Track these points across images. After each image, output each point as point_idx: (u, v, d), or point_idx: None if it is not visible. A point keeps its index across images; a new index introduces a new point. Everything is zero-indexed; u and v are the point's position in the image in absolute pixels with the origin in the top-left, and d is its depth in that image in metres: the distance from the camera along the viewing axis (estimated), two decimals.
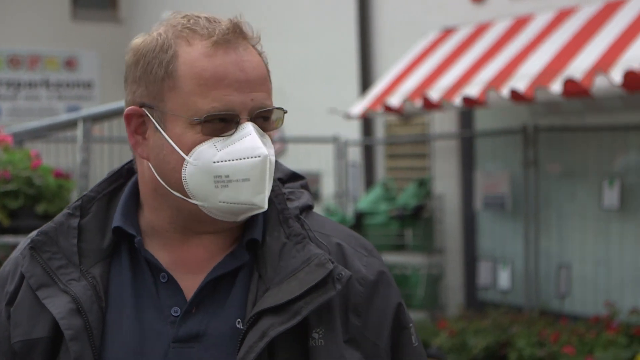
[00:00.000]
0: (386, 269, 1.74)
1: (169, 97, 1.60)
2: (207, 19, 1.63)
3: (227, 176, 1.57)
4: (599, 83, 5.60)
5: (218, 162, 1.57)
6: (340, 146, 8.85)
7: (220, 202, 1.59)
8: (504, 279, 7.58)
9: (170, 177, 1.61)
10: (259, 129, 1.61)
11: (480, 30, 7.44)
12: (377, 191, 8.21)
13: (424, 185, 8.07)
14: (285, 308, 1.56)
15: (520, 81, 6.23)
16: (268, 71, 1.68)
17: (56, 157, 6.20)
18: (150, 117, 1.63)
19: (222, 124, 1.59)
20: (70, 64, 13.71)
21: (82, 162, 4.54)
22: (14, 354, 1.64)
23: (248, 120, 1.59)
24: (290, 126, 10.39)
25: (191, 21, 1.63)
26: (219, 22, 1.63)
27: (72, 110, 12.82)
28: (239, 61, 1.60)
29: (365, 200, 8.17)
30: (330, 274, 1.60)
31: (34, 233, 1.70)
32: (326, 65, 9.78)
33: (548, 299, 7.29)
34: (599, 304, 6.72)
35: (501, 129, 7.57)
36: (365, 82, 9.12)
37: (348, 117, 7.74)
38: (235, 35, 1.61)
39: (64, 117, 5.47)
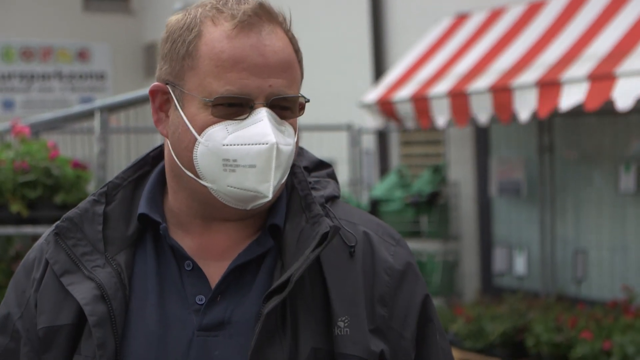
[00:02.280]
0: (413, 260, 1.71)
1: (188, 76, 1.59)
2: (237, 0, 1.61)
3: (234, 160, 1.56)
4: (625, 67, 5.55)
5: (227, 145, 1.55)
6: (354, 134, 8.84)
7: (228, 186, 1.57)
8: (520, 264, 7.57)
9: (184, 155, 1.60)
10: (276, 116, 1.58)
11: (494, 16, 7.41)
12: (391, 178, 8.21)
13: (438, 171, 8.07)
14: (288, 284, 1.55)
15: (539, 69, 6.21)
16: (298, 58, 1.65)
17: (72, 148, 6.23)
18: (172, 94, 1.62)
19: (235, 107, 1.56)
20: (82, 55, 13.73)
21: (100, 153, 4.55)
22: (39, 340, 1.63)
23: (264, 106, 1.57)
24: (304, 114, 10.36)
25: (221, 2, 1.61)
26: (247, 3, 1.60)
27: (85, 101, 12.84)
28: (259, 45, 1.57)
29: (380, 188, 8.17)
30: (325, 236, 1.58)
31: (59, 220, 1.69)
32: (339, 53, 9.77)
33: (565, 284, 7.28)
34: (616, 289, 6.71)
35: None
36: (379, 69, 9.11)
37: (362, 105, 7.73)
38: (260, 17, 1.59)
39: (80, 107, 5.48)
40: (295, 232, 1.63)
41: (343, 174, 9.29)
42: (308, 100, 1.65)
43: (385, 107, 7.40)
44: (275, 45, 1.59)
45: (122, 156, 5.95)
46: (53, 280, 1.64)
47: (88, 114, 4.87)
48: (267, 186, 1.56)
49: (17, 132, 4.60)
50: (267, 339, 1.54)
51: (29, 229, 4.28)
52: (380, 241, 1.68)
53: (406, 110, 7.18)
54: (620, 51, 5.74)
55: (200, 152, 1.57)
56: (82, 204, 1.70)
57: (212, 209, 1.62)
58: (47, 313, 1.62)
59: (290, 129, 1.61)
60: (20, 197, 4.31)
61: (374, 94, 7.67)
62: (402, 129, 7.51)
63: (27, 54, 13.44)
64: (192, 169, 1.59)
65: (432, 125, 7.17)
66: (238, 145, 1.55)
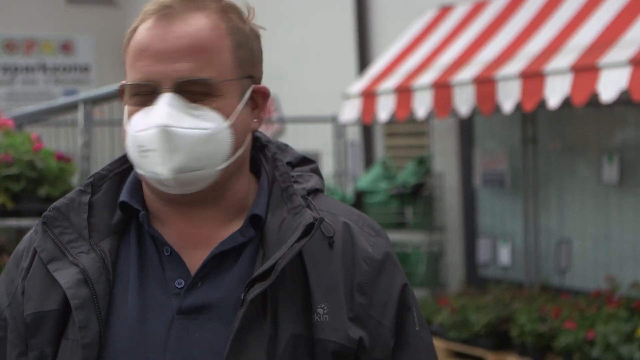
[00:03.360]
0: (392, 251, 1.74)
1: (126, 71, 1.67)
2: None
3: (143, 146, 1.62)
4: (608, 59, 5.58)
5: (137, 131, 1.62)
6: (338, 126, 8.85)
7: (145, 172, 1.63)
8: (504, 255, 7.60)
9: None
10: (185, 100, 1.60)
11: (478, 8, 7.43)
12: (376, 170, 8.23)
13: (423, 163, 8.09)
14: (271, 272, 1.58)
15: (523, 61, 6.23)
16: (232, 42, 1.64)
17: (56, 140, 6.21)
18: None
19: (147, 96, 1.62)
20: (66, 47, 13.69)
21: (84, 145, 4.55)
22: (26, 326, 1.66)
23: (170, 91, 1.60)
24: (288, 107, 10.43)
25: None
26: None
27: (69, 94, 12.80)
28: (165, 32, 1.61)
29: (365, 179, 8.19)
30: (311, 226, 1.61)
31: (47, 210, 1.74)
32: (323, 45, 9.77)
33: (548, 274, 7.32)
34: (600, 279, 6.75)
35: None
36: (363, 61, 9.12)
37: (346, 97, 7.74)
38: (175, 7, 1.62)
39: (64, 100, 5.47)
40: (276, 222, 1.65)
41: (328, 165, 9.31)
42: (217, 82, 1.61)
43: (368, 99, 7.42)
44: (183, 30, 1.61)
45: (106, 148, 5.94)
46: (40, 268, 1.68)
47: (72, 107, 4.86)
48: (162, 169, 1.60)
49: (1, 124, 4.59)
50: (248, 324, 1.57)
51: (13, 222, 4.29)
52: (360, 232, 1.71)
53: (389, 102, 7.19)
54: (603, 42, 5.77)
55: (128, 141, 1.66)
56: (69, 194, 1.75)
57: (160, 194, 1.67)
58: (34, 299, 1.66)
59: (211, 114, 1.61)
60: (4, 190, 4.31)
61: (357, 86, 7.69)
62: (380, 122, 7.51)
63: (10, 46, 13.38)
64: (130, 157, 1.68)
65: (411, 117, 7.19)
66: (141, 131, 1.61)
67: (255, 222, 1.67)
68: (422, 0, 8.20)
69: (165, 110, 1.59)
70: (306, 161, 1.82)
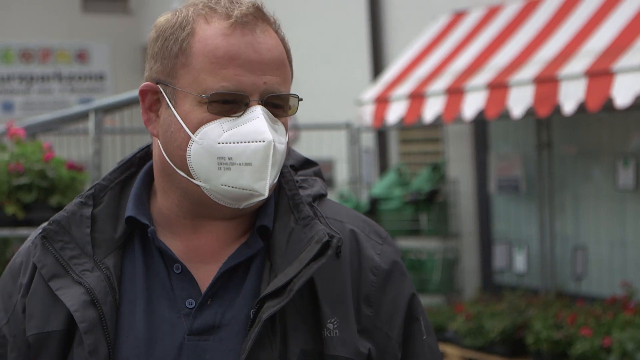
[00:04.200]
0: (400, 259, 1.70)
1: (181, 73, 1.58)
2: (230, 0, 1.61)
3: (230, 158, 1.54)
4: (623, 63, 5.53)
5: (222, 143, 1.54)
6: (353, 132, 8.83)
7: (222, 185, 1.56)
8: (519, 261, 7.56)
9: (176, 155, 1.59)
10: (270, 114, 1.57)
11: (491, 13, 7.40)
12: (390, 176, 8.20)
13: (437, 169, 8.06)
14: (285, 289, 1.54)
15: (536, 66, 6.19)
16: (289, 58, 1.64)
17: (69, 149, 6.22)
18: (163, 93, 1.61)
19: (230, 104, 1.56)
20: (81, 56, 13.74)
21: (94, 154, 4.55)
22: (28, 347, 1.61)
23: (258, 104, 1.56)
24: (302, 113, 10.38)
25: (213, 1, 1.61)
26: (240, 3, 1.60)
27: (84, 102, 12.84)
28: (254, 42, 1.57)
29: (379, 186, 8.16)
30: (326, 245, 1.57)
31: (45, 223, 1.68)
32: (337, 51, 9.76)
33: (564, 280, 7.27)
34: (616, 285, 6.70)
35: None
36: (377, 67, 9.10)
37: (360, 103, 7.72)
38: (254, 17, 1.59)
39: (76, 109, 5.48)
40: (284, 233, 1.62)
41: (342, 172, 9.29)
42: (301, 99, 1.64)
43: (382, 104, 7.39)
44: (269, 42, 1.59)
45: (118, 157, 5.94)
46: (41, 285, 1.62)
47: (83, 115, 4.86)
48: (264, 184, 1.55)
49: (12, 134, 4.59)
50: (259, 343, 1.53)
51: (24, 231, 4.28)
52: (367, 239, 1.68)
53: (402, 108, 7.17)
54: (618, 47, 5.73)
55: (194, 150, 1.56)
56: (69, 207, 1.69)
57: (204, 208, 1.61)
58: (37, 319, 1.61)
59: (282, 128, 1.61)
60: (15, 200, 4.30)
61: (371, 92, 7.67)
62: (393, 128, 7.49)
63: (26, 55, 13.44)
64: (185, 167, 1.58)
65: (425, 123, 7.16)
66: (234, 143, 1.54)
67: (262, 233, 1.63)
68: (436, 5, 8.18)
69: (266, 124, 1.55)
70: (309, 164, 1.78)
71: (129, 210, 1.65)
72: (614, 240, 6.95)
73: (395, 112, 7.22)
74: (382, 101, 7.41)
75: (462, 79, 6.77)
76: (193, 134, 1.56)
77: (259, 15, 1.59)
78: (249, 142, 1.54)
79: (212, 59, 1.55)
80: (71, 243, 1.63)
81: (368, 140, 9.14)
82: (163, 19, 1.65)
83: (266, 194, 1.56)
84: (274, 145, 1.54)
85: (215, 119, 1.55)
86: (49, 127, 5.55)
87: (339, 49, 9.71)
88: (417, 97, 7.06)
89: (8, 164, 4.35)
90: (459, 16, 7.79)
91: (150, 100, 1.65)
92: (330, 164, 9.48)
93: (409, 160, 8.90)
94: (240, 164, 1.54)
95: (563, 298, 6.91)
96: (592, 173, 7.13)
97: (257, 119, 1.55)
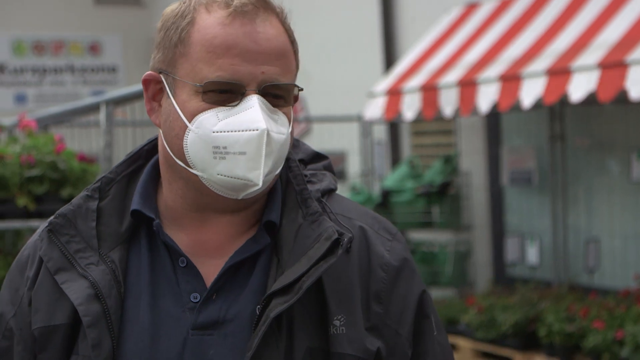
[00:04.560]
0: (410, 255, 1.68)
1: (180, 62, 1.57)
2: None
3: (224, 147, 1.53)
4: (636, 55, 5.49)
5: (217, 132, 1.53)
6: (365, 124, 8.82)
7: (217, 174, 1.54)
8: (532, 254, 7.53)
9: (174, 144, 1.58)
10: (268, 104, 1.56)
11: (504, 5, 7.37)
12: (403, 169, 8.18)
13: (450, 161, 8.03)
14: (293, 287, 1.52)
15: (549, 58, 6.16)
16: (294, 49, 1.62)
17: (81, 142, 6.23)
18: (165, 82, 1.60)
19: (227, 94, 1.54)
20: (94, 48, 13.75)
21: (105, 146, 4.55)
22: (34, 340, 1.60)
23: (255, 93, 1.54)
24: (314, 106, 10.40)
25: None
26: None
27: (96, 95, 12.87)
28: (252, 32, 1.55)
29: (392, 178, 8.15)
30: (336, 243, 1.55)
31: (52, 216, 1.67)
32: (349, 44, 9.74)
33: (577, 273, 7.24)
34: (629, 278, 6.67)
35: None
36: (389, 60, 9.07)
37: (372, 95, 7.71)
38: (255, 6, 1.57)
39: (87, 101, 5.47)
40: (292, 228, 1.60)
41: (354, 165, 9.28)
42: (301, 89, 1.62)
43: (394, 97, 7.38)
44: (269, 32, 1.57)
45: (129, 149, 5.93)
46: (47, 278, 1.61)
47: (94, 107, 4.86)
48: (257, 174, 1.53)
49: (24, 126, 4.60)
50: (264, 339, 1.51)
51: (36, 223, 4.29)
52: (377, 236, 1.65)
53: (414, 100, 7.15)
54: (631, 39, 5.69)
55: (191, 139, 1.55)
56: (75, 200, 1.68)
57: (206, 199, 1.59)
58: (42, 312, 1.60)
59: (283, 118, 1.59)
60: (27, 192, 4.31)
61: (383, 85, 7.65)
62: (405, 120, 7.47)
63: (38, 47, 13.46)
64: (183, 157, 1.57)
65: (439, 116, 7.14)
66: (228, 132, 1.53)
67: (269, 228, 1.62)
68: None
69: (261, 113, 1.53)
70: (319, 157, 1.76)
71: (135, 203, 1.64)
72: (627, 232, 6.92)
73: (410, 107, 7.19)
74: (395, 93, 7.39)
75: (474, 71, 6.75)
76: (189, 122, 1.55)
77: (260, 5, 1.58)
78: (242, 130, 1.52)
79: (209, 48, 1.54)
80: (77, 236, 1.62)
81: (380, 132, 9.13)
82: (169, 8, 1.64)
83: (260, 184, 1.54)
84: (268, 133, 1.52)
85: (211, 108, 1.54)
86: (60, 119, 5.56)
87: (352, 42, 9.69)
88: (429, 90, 7.04)
89: (20, 155, 4.36)
90: (471, 8, 7.76)
91: (154, 90, 1.64)
92: (342, 157, 9.47)
93: (421, 152, 8.88)
94: (234, 153, 1.53)
95: (575, 291, 6.89)
96: (605, 165, 7.09)
97: (251, 108, 1.53)
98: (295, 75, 1.64)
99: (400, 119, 7.52)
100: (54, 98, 13.06)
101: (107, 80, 13.69)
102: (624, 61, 5.51)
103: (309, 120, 9.76)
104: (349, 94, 9.35)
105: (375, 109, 7.57)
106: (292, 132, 1.63)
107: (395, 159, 9.07)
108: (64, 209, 1.66)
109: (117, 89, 12.31)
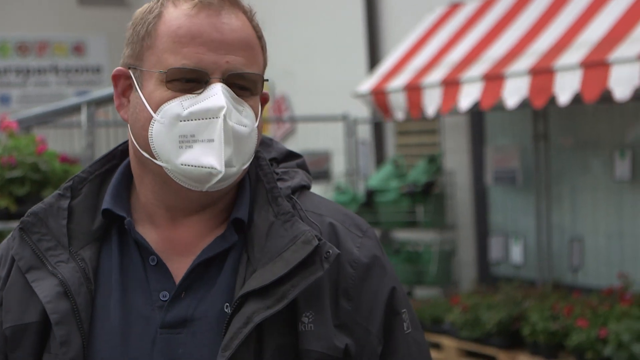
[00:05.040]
0: (381, 252, 1.67)
1: (147, 55, 1.59)
2: None
3: (192, 135, 1.53)
4: (618, 54, 5.51)
5: (183, 120, 1.54)
6: (349, 124, 8.83)
7: (181, 164, 1.54)
8: (516, 253, 7.55)
9: (140, 136, 1.58)
10: (232, 93, 1.56)
11: (487, 4, 7.38)
12: (387, 168, 8.19)
13: (434, 161, 8.04)
14: (271, 291, 1.52)
15: (532, 57, 6.17)
16: (261, 44, 1.64)
17: (68, 142, 6.20)
18: (132, 77, 1.61)
19: (192, 83, 1.55)
20: (78, 49, 13.71)
21: (87, 146, 4.54)
22: (6, 340, 1.60)
23: (220, 82, 1.55)
24: (299, 106, 10.40)
25: None
26: None
27: (81, 95, 12.82)
28: (217, 23, 1.56)
29: (376, 178, 8.15)
30: (316, 251, 1.54)
31: (25, 215, 1.67)
32: (333, 43, 9.73)
33: (561, 272, 7.26)
34: (613, 276, 6.68)
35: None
36: (374, 59, 9.08)
37: (356, 95, 7.71)
38: (221, 0, 1.59)
39: (69, 101, 5.46)
40: (263, 226, 1.60)
41: (339, 164, 9.28)
42: (266, 80, 1.64)
43: (379, 96, 7.38)
44: (234, 24, 1.58)
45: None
46: (19, 277, 1.62)
47: (76, 108, 4.85)
48: (219, 159, 1.52)
49: (5, 127, 4.58)
50: (234, 337, 1.51)
51: (16, 224, 4.27)
52: (347, 232, 1.65)
53: (398, 100, 7.15)
54: (613, 38, 5.71)
55: (156, 130, 1.55)
56: (47, 199, 1.68)
57: (174, 195, 1.59)
58: (14, 311, 1.60)
59: (248, 111, 1.59)
60: (8, 193, 4.30)
61: (367, 84, 7.65)
62: (392, 120, 7.48)
63: (22, 48, 13.41)
64: (148, 148, 1.57)
65: (423, 115, 7.15)
66: (193, 120, 1.53)
67: (238, 226, 1.62)
68: None
69: (225, 100, 1.53)
70: (292, 156, 1.77)
71: (106, 202, 1.64)
72: (611, 231, 6.94)
73: (395, 106, 7.20)
74: (379, 93, 7.39)
75: (458, 70, 6.75)
76: (155, 113, 1.55)
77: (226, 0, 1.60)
78: (205, 118, 1.53)
79: (174, 38, 1.56)
80: (48, 235, 1.63)
81: (364, 132, 9.13)
82: (140, 8, 1.67)
83: (222, 170, 1.53)
84: (227, 121, 1.52)
85: (176, 96, 1.55)
86: (42, 120, 5.54)
87: (336, 41, 9.69)
88: (413, 89, 7.04)
89: (1, 157, 4.34)
90: (455, 7, 7.77)
91: (123, 86, 1.65)
92: (327, 156, 9.47)
93: (405, 152, 8.88)
94: (202, 141, 1.53)
95: (560, 289, 6.90)
96: (589, 164, 7.11)
97: (214, 96, 1.53)
98: (263, 70, 1.64)
99: (391, 118, 7.51)
100: (38, 99, 13.01)
101: (91, 81, 13.65)
102: (607, 60, 5.52)
103: (293, 120, 9.75)
104: (333, 94, 9.35)
105: (360, 108, 7.56)
106: (259, 126, 1.63)
107: (380, 159, 9.08)
108: (35, 207, 1.67)
109: (102, 89, 12.28)
